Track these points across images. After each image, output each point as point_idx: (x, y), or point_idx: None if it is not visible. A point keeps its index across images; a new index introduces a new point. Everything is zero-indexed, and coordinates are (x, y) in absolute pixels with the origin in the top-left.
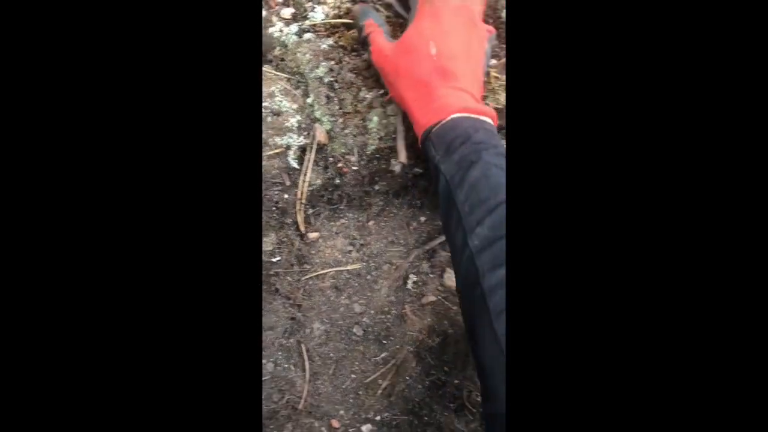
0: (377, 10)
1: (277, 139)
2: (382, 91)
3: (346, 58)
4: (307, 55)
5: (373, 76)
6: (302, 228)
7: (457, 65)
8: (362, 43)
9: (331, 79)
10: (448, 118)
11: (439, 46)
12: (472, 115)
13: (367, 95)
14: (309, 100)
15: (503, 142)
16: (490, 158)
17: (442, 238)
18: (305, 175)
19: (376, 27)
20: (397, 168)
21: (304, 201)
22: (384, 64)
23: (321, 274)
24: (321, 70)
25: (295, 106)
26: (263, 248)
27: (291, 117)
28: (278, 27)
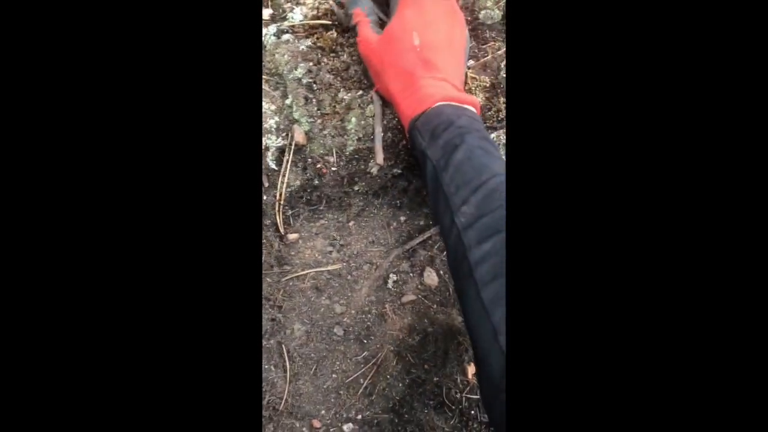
0: None
1: None
2: (360, 93)
3: (325, 59)
4: (286, 56)
5: (351, 77)
6: (281, 229)
7: (439, 56)
8: (350, 30)
9: (310, 80)
10: (433, 106)
11: (422, 37)
12: (454, 103)
13: (346, 96)
14: (287, 101)
15: (484, 126)
16: (472, 141)
17: (422, 238)
18: (284, 176)
19: (363, 17)
20: (374, 170)
21: (282, 202)
22: (370, 55)
23: (301, 275)
24: (299, 71)
25: (273, 107)
26: None
27: (269, 118)
28: None
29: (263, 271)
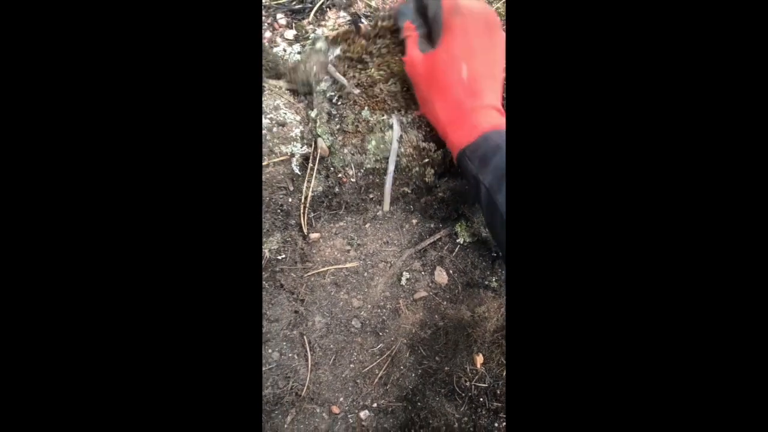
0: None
1: (283, 148)
2: (383, 117)
3: (352, 72)
4: (315, 67)
5: (376, 96)
6: (305, 230)
7: (484, 83)
8: (401, 44)
9: (333, 93)
10: (481, 135)
11: (469, 68)
12: (499, 130)
13: (370, 118)
14: (312, 114)
15: None
16: None
17: (432, 239)
18: (308, 182)
19: (413, 30)
20: (379, 213)
21: (307, 206)
22: (417, 80)
23: (322, 272)
24: (324, 85)
25: (298, 118)
26: (269, 247)
27: (295, 128)
28: (282, 47)
29: (288, 267)
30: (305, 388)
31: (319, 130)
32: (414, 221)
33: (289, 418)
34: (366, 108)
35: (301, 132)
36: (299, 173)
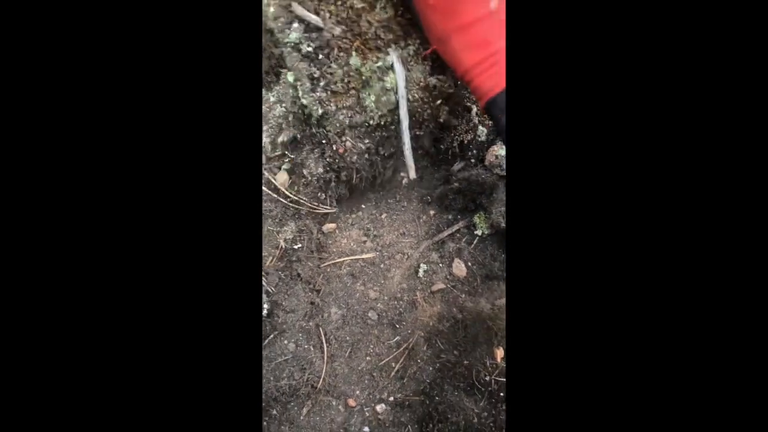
0: None
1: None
2: (379, 58)
3: (325, 8)
4: (272, 8)
5: (363, 32)
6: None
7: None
8: None
9: (308, 44)
10: None
11: None
12: None
13: (361, 67)
14: (290, 79)
15: None
16: None
17: (450, 231)
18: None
19: None
20: (404, 181)
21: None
22: (428, 10)
23: (338, 262)
24: (294, 34)
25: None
26: (285, 236)
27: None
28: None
29: (305, 256)
30: (321, 380)
31: (303, 101)
32: (431, 212)
33: (305, 410)
34: (354, 52)
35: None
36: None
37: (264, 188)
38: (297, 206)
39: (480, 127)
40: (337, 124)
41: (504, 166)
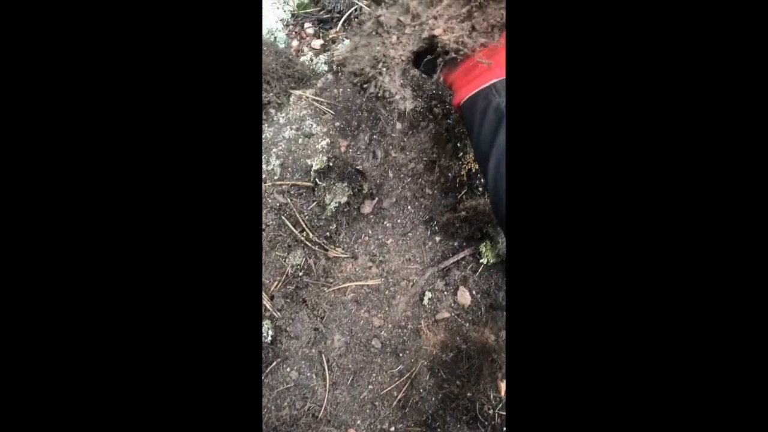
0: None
1: (307, 161)
2: None
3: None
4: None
5: None
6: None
7: None
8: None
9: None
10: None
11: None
12: None
13: None
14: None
15: None
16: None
17: (456, 258)
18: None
19: None
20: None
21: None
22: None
23: (343, 288)
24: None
25: (324, 129)
26: (292, 262)
27: (321, 140)
28: (309, 56)
29: (312, 282)
30: (322, 409)
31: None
32: (437, 239)
33: None
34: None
35: (328, 144)
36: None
37: (270, 214)
38: (308, 242)
39: None
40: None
41: None
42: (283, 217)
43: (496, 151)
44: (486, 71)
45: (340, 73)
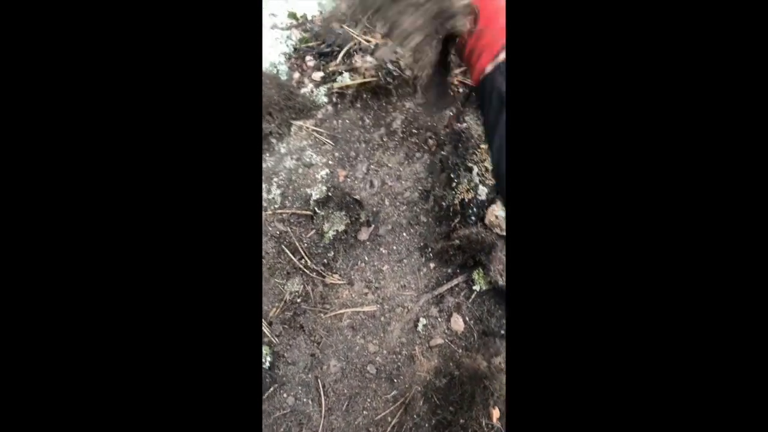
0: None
1: (307, 190)
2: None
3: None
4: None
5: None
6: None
7: None
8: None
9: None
10: None
11: None
12: None
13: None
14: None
15: None
16: None
17: (449, 285)
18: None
19: None
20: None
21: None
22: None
23: (339, 314)
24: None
25: (324, 159)
26: (290, 289)
27: (320, 170)
28: (309, 88)
29: (309, 308)
30: None
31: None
32: (432, 265)
33: None
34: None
35: (327, 174)
36: (322, 213)
37: (270, 242)
38: (306, 269)
39: (481, 187)
40: None
41: (504, 227)
42: (282, 246)
43: (498, 136)
44: (498, 36)
45: (339, 105)
